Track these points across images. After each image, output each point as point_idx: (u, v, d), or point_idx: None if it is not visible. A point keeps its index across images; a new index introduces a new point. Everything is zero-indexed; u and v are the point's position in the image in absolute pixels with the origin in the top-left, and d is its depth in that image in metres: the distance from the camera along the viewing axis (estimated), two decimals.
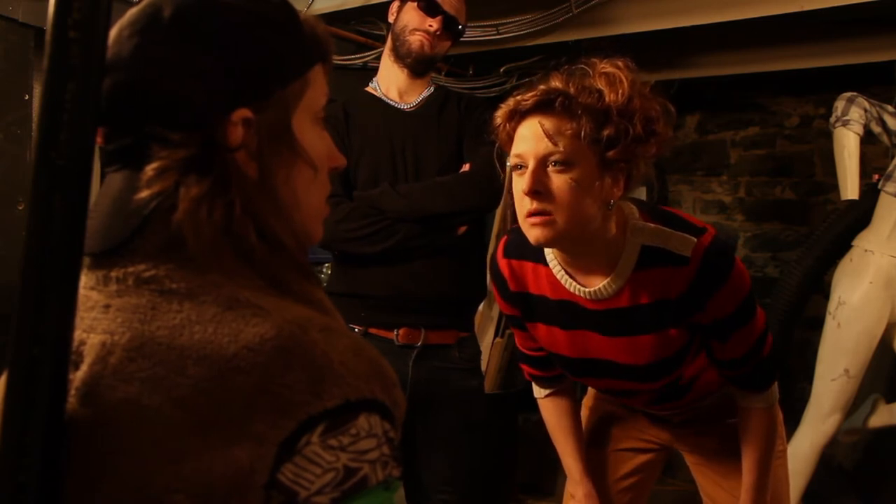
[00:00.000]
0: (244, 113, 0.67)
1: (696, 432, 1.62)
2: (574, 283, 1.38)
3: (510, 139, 1.31)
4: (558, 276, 1.39)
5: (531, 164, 1.24)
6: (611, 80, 1.25)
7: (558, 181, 1.23)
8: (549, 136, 1.23)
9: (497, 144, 1.37)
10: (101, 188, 0.70)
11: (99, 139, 0.67)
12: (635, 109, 1.24)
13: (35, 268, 0.57)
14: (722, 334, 1.38)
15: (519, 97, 1.28)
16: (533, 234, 1.26)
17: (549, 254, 1.40)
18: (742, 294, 1.34)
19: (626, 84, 1.24)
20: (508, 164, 2.04)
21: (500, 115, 1.31)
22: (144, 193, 0.65)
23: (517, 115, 1.28)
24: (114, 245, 0.66)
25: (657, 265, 1.32)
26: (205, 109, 0.66)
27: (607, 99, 1.24)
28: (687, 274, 1.30)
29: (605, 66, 1.27)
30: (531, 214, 1.25)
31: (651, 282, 1.34)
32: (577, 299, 1.39)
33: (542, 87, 1.27)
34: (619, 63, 1.27)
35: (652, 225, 1.34)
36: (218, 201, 0.66)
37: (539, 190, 1.23)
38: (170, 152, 0.65)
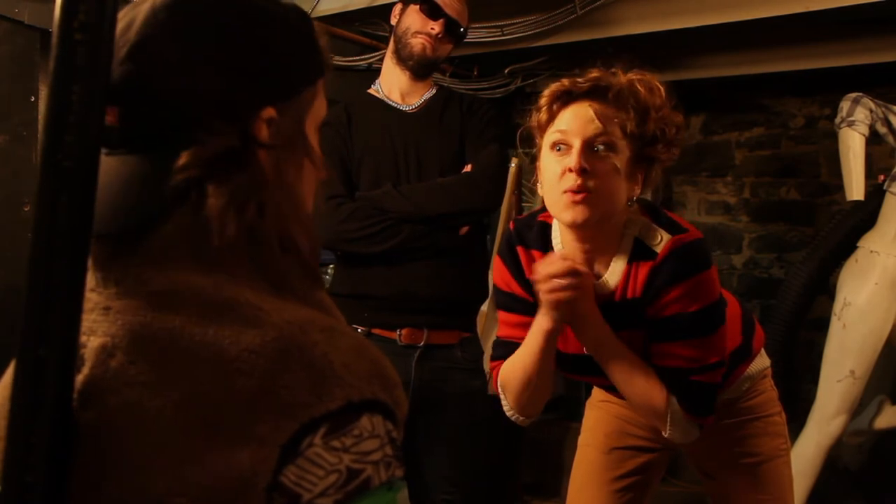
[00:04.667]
0: (270, 112, 0.68)
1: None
2: None
3: (551, 119, 1.34)
4: None
5: (577, 144, 1.28)
6: (648, 85, 1.31)
7: (602, 164, 1.28)
8: (600, 120, 1.28)
9: (524, 130, 1.40)
10: (109, 167, 0.66)
11: (112, 118, 0.64)
12: (668, 115, 1.31)
13: (41, 269, 0.57)
14: (660, 335, 1.34)
15: (572, 80, 1.33)
16: (572, 213, 1.28)
17: (557, 245, 1.41)
18: (697, 303, 1.31)
19: (662, 91, 1.31)
20: (512, 164, 2.03)
21: (547, 95, 1.35)
22: (179, 177, 0.64)
23: (567, 97, 1.33)
24: (131, 226, 0.65)
25: (642, 258, 1.35)
26: (241, 102, 0.67)
27: (646, 100, 1.30)
28: (651, 268, 1.33)
29: (637, 74, 1.33)
30: (575, 192, 1.26)
31: (635, 276, 1.35)
32: None
33: (595, 74, 1.32)
34: (649, 75, 1.34)
35: (644, 218, 1.37)
36: (252, 199, 0.66)
37: (587, 168, 1.26)
38: (210, 140, 0.65)
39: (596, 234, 1.34)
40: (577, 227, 1.32)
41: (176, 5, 0.67)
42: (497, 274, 1.50)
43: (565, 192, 1.27)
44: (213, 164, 0.65)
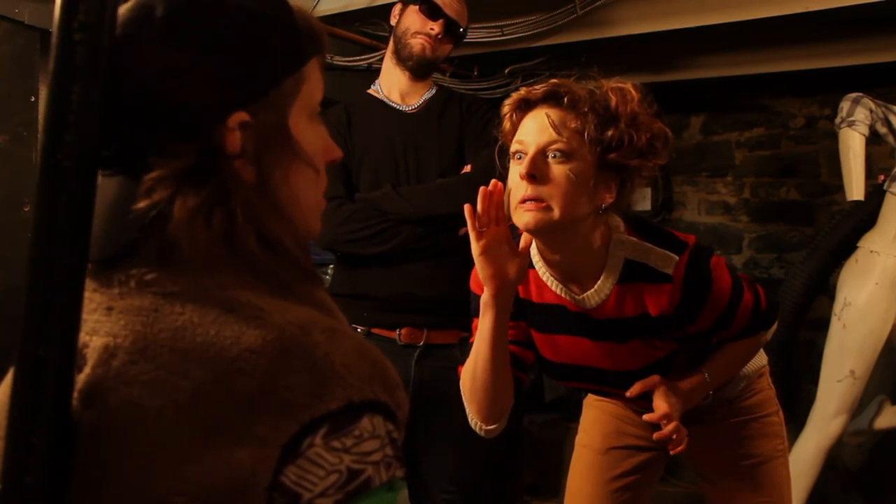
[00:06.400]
0: (241, 116, 0.66)
1: (694, 433, 1.62)
2: (562, 287, 1.39)
3: (514, 129, 1.34)
4: (545, 279, 1.40)
5: (531, 151, 1.27)
6: (621, 92, 1.30)
7: (557, 170, 1.27)
8: (553, 127, 1.27)
9: (499, 140, 1.39)
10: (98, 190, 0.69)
11: None
12: (641, 122, 1.28)
13: (41, 269, 0.57)
14: (716, 332, 1.43)
15: (528, 88, 1.33)
16: (525, 218, 1.27)
17: (534, 257, 1.41)
18: (726, 292, 1.38)
19: (635, 99, 1.29)
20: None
21: (508, 104, 1.35)
22: (143, 203, 0.64)
23: (525, 105, 1.33)
24: (113, 253, 0.66)
25: (639, 280, 1.34)
26: (201, 115, 0.65)
27: (616, 107, 1.28)
28: (670, 293, 1.33)
29: (616, 82, 1.32)
30: (525, 200, 1.27)
31: (634, 295, 1.36)
32: (563, 302, 1.40)
33: (553, 81, 1.32)
34: (629, 83, 1.32)
35: (634, 238, 1.36)
36: (217, 210, 0.65)
37: (535, 174, 1.26)
38: (167, 161, 0.64)
39: (564, 244, 1.34)
40: (533, 234, 1.32)
41: (133, 23, 0.66)
42: (475, 281, 1.49)
43: (520, 201, 1.28)
44: (177, 182, 0.64)
